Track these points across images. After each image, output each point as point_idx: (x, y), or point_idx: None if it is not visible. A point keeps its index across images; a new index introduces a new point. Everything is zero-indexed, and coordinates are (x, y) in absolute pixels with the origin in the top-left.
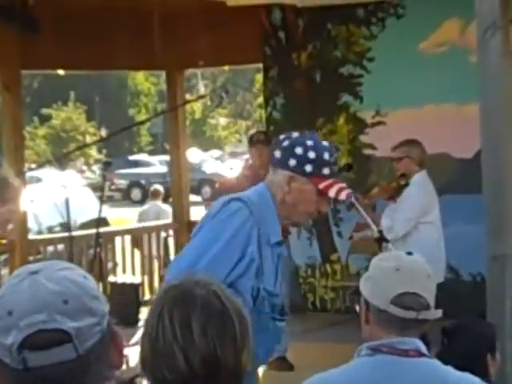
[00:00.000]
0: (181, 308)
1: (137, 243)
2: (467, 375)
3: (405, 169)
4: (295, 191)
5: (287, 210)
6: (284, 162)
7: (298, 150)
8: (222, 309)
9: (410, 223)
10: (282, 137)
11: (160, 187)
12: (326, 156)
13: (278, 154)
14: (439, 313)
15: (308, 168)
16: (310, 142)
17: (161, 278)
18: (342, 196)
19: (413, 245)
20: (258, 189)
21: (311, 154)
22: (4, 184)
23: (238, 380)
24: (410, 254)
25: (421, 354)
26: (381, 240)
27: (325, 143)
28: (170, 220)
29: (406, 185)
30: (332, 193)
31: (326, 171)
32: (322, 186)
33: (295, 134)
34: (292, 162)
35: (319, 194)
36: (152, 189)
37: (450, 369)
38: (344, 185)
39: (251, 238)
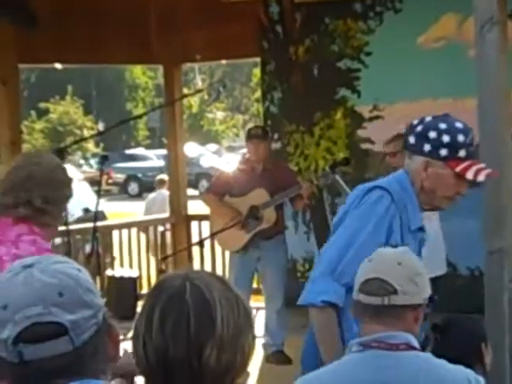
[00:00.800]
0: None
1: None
2: (460, 367)
3: (398, 163)
4: (432, 176)
5: (427, 196)
6: (419, 147)
7: (432, 135)
8: (185, 305)
9: None
10: (414, 122)
11: (165, 176)
12: (461, 138)
13: (412, 139)
14: (411, 299)
15: (443, 152)
16: (443, 126)
17: (158, 272)
18: (481, 177)
19: None
20: (396, 176)
21: (445, 138)
22: None
23: (245, 369)
24: (394, 246)
25: (411, 348)
26: None
27: (459, 125)
28: (167, 214)
29: None
30: (470, 175)
31: (461, 153)
32: (458, 169)
33: (428, 118)
34: (427, 148)
35: (457, 178)
36: (158, 178)
37: (442, 361)
38: (482, 165)
39: (394, 225)
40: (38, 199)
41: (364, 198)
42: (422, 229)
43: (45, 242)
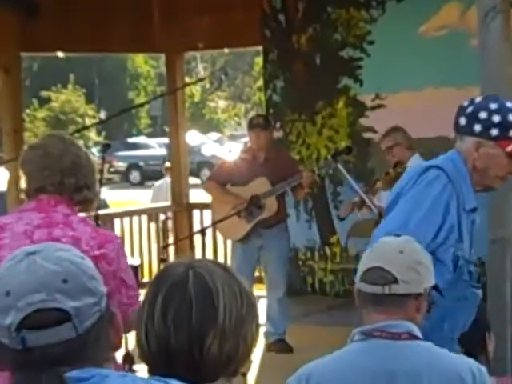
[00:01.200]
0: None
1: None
2: (462, 357)
3: (398, 156)
4: (484, 156)
5: (479, 176)
6: (469, 128)
7: (483, 115)
8: (187, 293)
9: None
10: (465, 103)
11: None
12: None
13: (462, 121)
14: (410, 287)
15: (494, 132)
16: (493, 106)
17: (160, 260)
18: None
19: None
20: (449, 156)
21: (496, 118)
22: None
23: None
24: (398, 235)
25: (413, 337)
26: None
27: (510, 104)
28: (169, 202)
29: (403, 172)
30: None
31: None
32: (510, 148)
33: (478, 99)
34: (477, 128)
35: (509, 157)
36: (165, 165)
37: (443, 351)
38: None
39: (451, 204)
40: (83, 183)
41: (420, 178)
42: (475, 209)
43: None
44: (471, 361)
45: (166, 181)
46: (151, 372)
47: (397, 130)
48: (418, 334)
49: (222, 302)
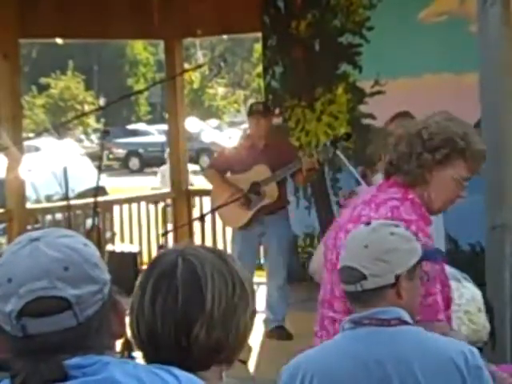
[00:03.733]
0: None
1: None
2: (453, 340)
3: None
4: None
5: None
6: None
7: None
8: (175, 281)
9: None
10: None
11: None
12: None
13: None
14: (381, 280)
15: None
16: None
17: (159, 247)
18: None
19: None
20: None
21: None
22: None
23: (245, 342)
24: (368, 224)
25: (403, 322)
26: None
27: None
28: (168, 189)
29: None
30: None
31: None
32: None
33: None
34: None
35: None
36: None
37: (434, 335)
38: None
39: None
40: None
41: None
42: None
43: (413, 211)
44: (462, 343)
45: None
46: (145, 359)
47: (405, 116)
48: (408, 319)
49: (211, 290)
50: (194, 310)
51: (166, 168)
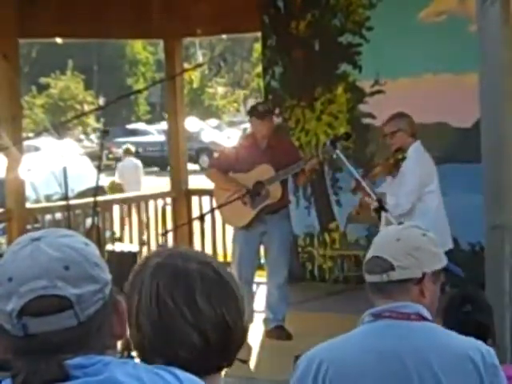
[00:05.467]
0: (181, 287)
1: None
2: (471, 339)
3: (400, 142)
4: None
5: None
6: None
7: None
8: (217, 277)
9: (412, 196)
10: None
11: (131, 146)
12: None
13: None
14: (408, 273)
15: None
16: None
17: (158, 246)
18: None
19: (419, 216)
20: None
21: None
22: None
23: (244, 340)
24: (400, 223)
25: (422, 318)
26: (380, 210)
27: None
28: (168, 188)
29: (403, 159)
30: None
31: None
32: None
33: None
34: None
35: None
36: (124, 147)
37: (452, 333)
38: None
39: None
40: None
41: None
42: None
43: None
44: (480, 342)
45: (129, 160)
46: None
47: (402, 116)
48: (428, 315)
49: (230, 281)
50: (226, 302)
51: (123, 164)
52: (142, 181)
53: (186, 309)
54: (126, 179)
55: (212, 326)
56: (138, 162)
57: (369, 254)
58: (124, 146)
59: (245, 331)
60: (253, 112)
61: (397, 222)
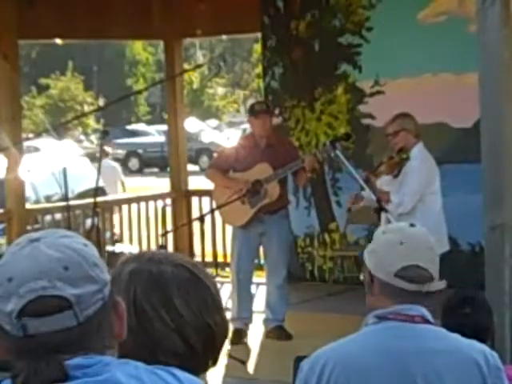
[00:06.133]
0: (158, 292)
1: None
2: (474, 342)
3: (403, 142)
4: None
5: None
6: None
7: None
8: (192, 278)
9: (416, 197)
10: None
11: (107, 148)
12: None
13: None
14: (443, 284)
15: None
16: None
17: (159, 248)
18: None
19: (419, 217)
20: None
21: None
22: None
23: (227, 334)
24: (412, 225)
25: (426, 321)
26: (380, 210)
27: None
28: (167, 189)
29: (407, 158)
30: None
31: None
32: None
33: None
34: None
35: None
36: (101, 149)
37: (455, 335)
38: None
39: None
40: None
41: None
42: None
43: None
44: (483, 345)
45: (106, 161)
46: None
47: (405, 117)
48: (431, 319)
49: (205, 280)
50: (204, 303)
51: (103, 165)
52: (119, 183)
53: (164, 314)
54: (104, 181)
55: (194, 329)
56: (116, 164)
57: (402, 259)
58: (102, 148)
59: (225, 325)
60: (252, 111)
61: (397, 222)
